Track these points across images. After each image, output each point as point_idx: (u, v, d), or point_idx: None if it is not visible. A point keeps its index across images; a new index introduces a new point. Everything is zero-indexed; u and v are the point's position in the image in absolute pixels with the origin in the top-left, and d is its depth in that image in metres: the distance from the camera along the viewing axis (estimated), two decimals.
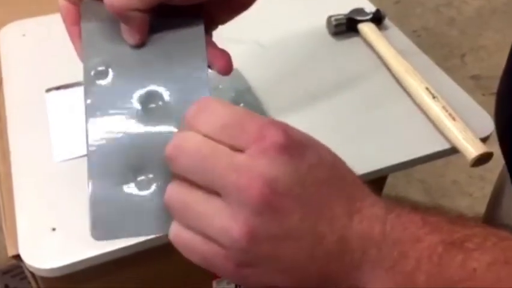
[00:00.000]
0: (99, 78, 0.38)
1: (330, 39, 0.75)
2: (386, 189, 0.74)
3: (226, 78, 0.68)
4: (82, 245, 0.48)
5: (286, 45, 0.73)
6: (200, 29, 0.40)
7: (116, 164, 0.37)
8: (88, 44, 0.39)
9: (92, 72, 0.39)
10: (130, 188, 0.38)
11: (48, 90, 0.64)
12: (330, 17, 0.75)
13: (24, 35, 0.73)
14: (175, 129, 0.36)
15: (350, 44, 0.74)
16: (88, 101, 0.38)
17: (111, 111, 0.37)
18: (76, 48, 0.41)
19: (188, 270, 0.61)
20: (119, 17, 0.37)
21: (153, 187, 0.38)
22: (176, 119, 0.36)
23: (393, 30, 0.77)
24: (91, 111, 0.38)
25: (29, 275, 0.54)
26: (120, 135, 0.37)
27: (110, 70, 0.38)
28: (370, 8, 0.77)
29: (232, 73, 0.68)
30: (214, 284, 0.64)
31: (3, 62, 0.69)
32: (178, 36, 0.39)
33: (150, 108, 0.37)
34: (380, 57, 0.71)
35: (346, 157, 0.59)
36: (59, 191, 0.53)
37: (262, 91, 0.66)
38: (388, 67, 0.70)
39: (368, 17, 0.75)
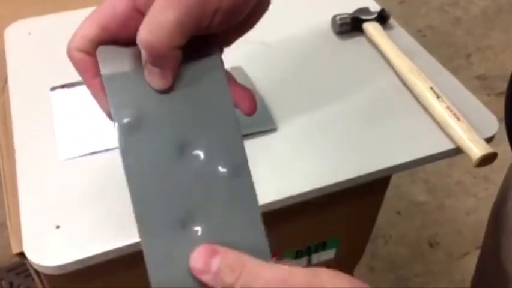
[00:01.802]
0: (133, 132, 0.35)
1: (335, 38, 0.75)
2: (390, 189, 0.74)
3: None
4: (86, 243, 0.49)
5: (291, 45, 0.73)
6: (218, 66, 0.37)
7: (165, 218, 0.34)
8: (114, 97, 0.35)
9: (126, 128, 0.35)
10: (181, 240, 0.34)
11: (53, 88, 0.64)
12: (334, 16, 0.75)
13: (29, 34, 0.73)
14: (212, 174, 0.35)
15: (355, 43, 0.74)
16: (128, 161, 0.34)
17: (152, 166, 0.35)
18: (99, 103, 0.36)
19: None
20: (154, 59, 0.33)
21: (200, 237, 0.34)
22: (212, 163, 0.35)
23: (398, 30, 0.77)
24: (132, 170, 0.34)
25: (33, 272, 0.54)
26: (166, 186, 0.35)
27: (143, 122, 0.35)
28: (375, 8, 0.76)
29: (237, 72, 0.68)
30: None
31: (8, 61, 0.69)
32: (197, 75, 0.36)
33: (187, 157, 0.35)
34: (384, 57, 0.71)
35: (350, 156, 0.60)
36: (64, 189, 0.54)
37: (267, 90, 0.66)
38: (393, 67, 0.70)
39: (373, 17, 0.75)
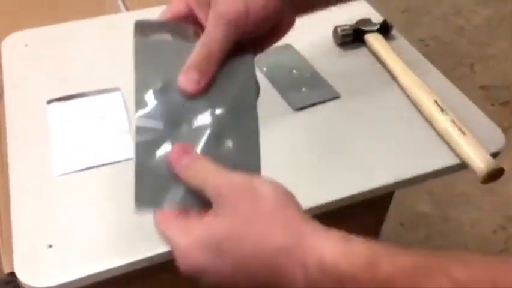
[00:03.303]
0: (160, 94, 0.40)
1: (337, 49, 0.74)
2: (394, 200, 0.73)
3: None
4: (78, 263, 0.47)
5: None
6: (251, 63, 0.44)
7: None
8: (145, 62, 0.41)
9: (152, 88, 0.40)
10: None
11: (49, 101, 0.63)
12: (336, 28, 0.73)
13: (26, 45, 0.72)
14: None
15: (357, 54, 0.73)
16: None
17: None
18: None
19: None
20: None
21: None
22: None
23: (400, 41, 0.75)
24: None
25: None
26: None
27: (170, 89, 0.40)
28: (377, 19, 0.75)
29: None
30: None
31: (5, 72, 0.68)
32: (231, 71, 0.42)
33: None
34: (387, 69, 0.70)
35: (352, 172, 0.58)
36: (57, 206, 0.52)
37: (267, 101, 0.65)
38: (395, 79, 0.68)
39: (375, 28, 0.73)
